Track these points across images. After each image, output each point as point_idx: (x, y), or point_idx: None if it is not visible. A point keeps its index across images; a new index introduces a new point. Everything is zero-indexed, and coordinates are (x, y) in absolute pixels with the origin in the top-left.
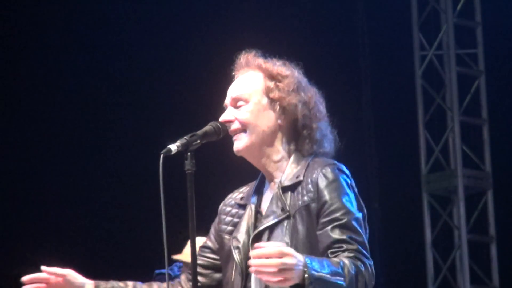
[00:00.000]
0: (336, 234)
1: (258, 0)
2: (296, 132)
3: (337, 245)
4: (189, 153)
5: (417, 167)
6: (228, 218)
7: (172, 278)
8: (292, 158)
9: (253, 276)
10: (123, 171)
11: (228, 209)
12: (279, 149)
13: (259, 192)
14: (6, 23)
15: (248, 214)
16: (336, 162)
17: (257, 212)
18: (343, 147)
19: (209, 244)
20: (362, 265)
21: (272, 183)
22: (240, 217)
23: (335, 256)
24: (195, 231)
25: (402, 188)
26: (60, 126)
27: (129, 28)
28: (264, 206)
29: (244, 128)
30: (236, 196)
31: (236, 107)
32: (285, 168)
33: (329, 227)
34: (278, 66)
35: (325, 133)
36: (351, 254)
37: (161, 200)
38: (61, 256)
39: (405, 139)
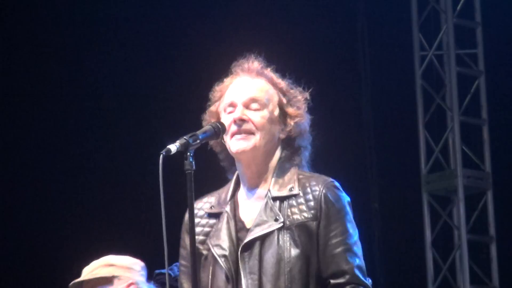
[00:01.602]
0: (342, 262)
1: (257, 1)
2: (289, 145)
3: (341, 278)
4: (188, 153)
5: (417, 167)
6: (199, 229)
7: (172, 278)
8: (277, 168)
9: (244, 280)
10: (123, 171)
11: (197, 220)
12: (271, 159)
13: (234, 199)
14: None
15: (227, 222)
16: (332, 179)
17: (236, 220)
18: (343, 147)
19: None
20: None
21: (253, 191)
22: (212, 226)
23: None
24: (195, 231)
25: (402, 188)
26: (57, 126)
27: (128, 27)
28: (243, 214)
29: (254, 132)
30: (202, 206)
31: (247, 108)
32: (269, 177)
33: (335, 251)
34: (287, 85)
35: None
36: None
37: (161, 200)
38: (61, 256)
39: (405, 139)
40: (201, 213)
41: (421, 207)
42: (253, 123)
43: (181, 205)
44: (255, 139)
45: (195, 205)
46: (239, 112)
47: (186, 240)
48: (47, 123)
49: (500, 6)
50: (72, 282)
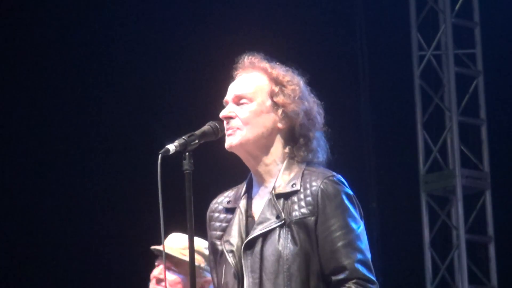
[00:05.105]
0: (342, 257)
1: (256, 1)
2: (293, 138)
3: (341, 273)
4: (187, 153)
5: (415, 167)
6: (217, 224)
7: None
8: (284, 164)
9: (246, 279)
10: (122, 171)
11: (216, 214)
12: (272, 152)
13: (248, 194)
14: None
15: (238, 218)
16: (334, 173)
17: (248, 215)
18: (341, 147)
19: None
20: None
21: (263, 187)
22: (229, 221)
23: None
24: (193, 231)
25: (400, 188)
26: (56, 125)
27: (128, 26)
28: (255, 210)
29: (241, 127)
30: (222, 200)
31: (238, 104)
32: (276, 173)
33: (335, 247)
34: (283, 72)
35: (320, 143)
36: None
37: (159, 200)
38: (59, 255)
39: (404, 139)
40: (220, 207)
41: (420, 207)
42: (240, 119)
43: (179, 205)
44: (241, 134)
45: (216, 199)
46: (226, 111)
47: (208, 236)
48: (46, 122)
49: (498, 6)
50: (154, 247)
